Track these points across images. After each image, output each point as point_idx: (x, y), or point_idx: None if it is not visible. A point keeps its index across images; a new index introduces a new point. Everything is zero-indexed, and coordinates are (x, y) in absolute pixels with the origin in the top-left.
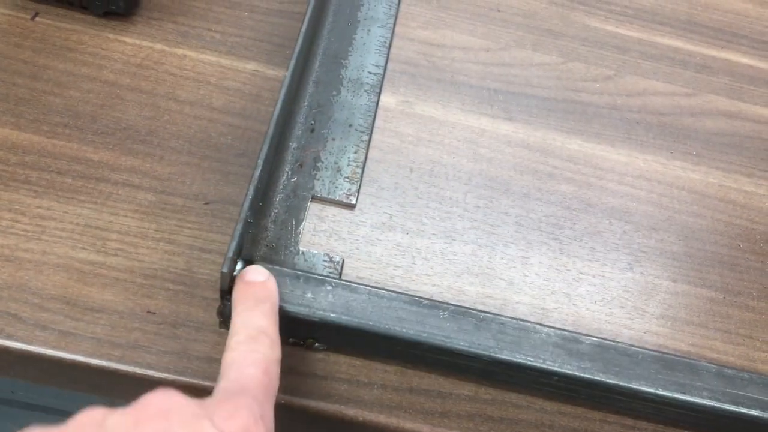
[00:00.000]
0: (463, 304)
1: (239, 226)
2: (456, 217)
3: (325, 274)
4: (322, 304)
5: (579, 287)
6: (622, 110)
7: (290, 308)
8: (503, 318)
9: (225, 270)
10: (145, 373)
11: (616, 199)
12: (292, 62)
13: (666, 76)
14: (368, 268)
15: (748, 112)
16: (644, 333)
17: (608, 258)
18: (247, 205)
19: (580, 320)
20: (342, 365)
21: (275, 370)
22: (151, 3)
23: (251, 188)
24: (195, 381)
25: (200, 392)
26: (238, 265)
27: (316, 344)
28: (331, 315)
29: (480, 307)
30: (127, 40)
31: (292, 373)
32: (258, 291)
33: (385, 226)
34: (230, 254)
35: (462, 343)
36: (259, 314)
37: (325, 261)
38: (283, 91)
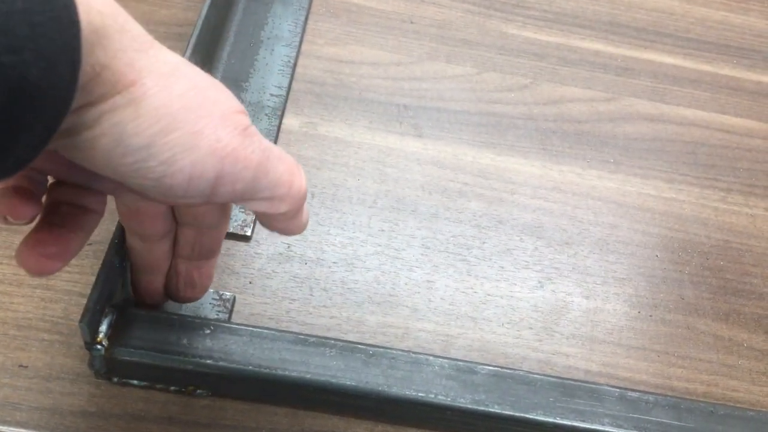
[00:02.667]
0: (362, 336)
1: (103, 271)
2: (358, 243)
3: (212, 314)
4: (198, 350)
5: (486, 310)
6: (537, 120)
7: (165, 356)
8: (394, 352)
9: (83, 323)
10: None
11: (528, 214)
12: None
13: (585, 81)
14: (262, 303)
15: (671, 114)
16: (553, 355)
17: (517, 277)
18: (113, 246)
19: (485, 345)
20: (228, 411)
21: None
22: None
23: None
24: None
25: None
26: (106, 318)
27: (198, 391)
28: (208, 361)
29: (380, 338)
30: None
31: (174, 423)
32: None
33: (282, 256)
34: (91, 304)
35: (350, 382)
36: None
37: (214, 300)
38: None
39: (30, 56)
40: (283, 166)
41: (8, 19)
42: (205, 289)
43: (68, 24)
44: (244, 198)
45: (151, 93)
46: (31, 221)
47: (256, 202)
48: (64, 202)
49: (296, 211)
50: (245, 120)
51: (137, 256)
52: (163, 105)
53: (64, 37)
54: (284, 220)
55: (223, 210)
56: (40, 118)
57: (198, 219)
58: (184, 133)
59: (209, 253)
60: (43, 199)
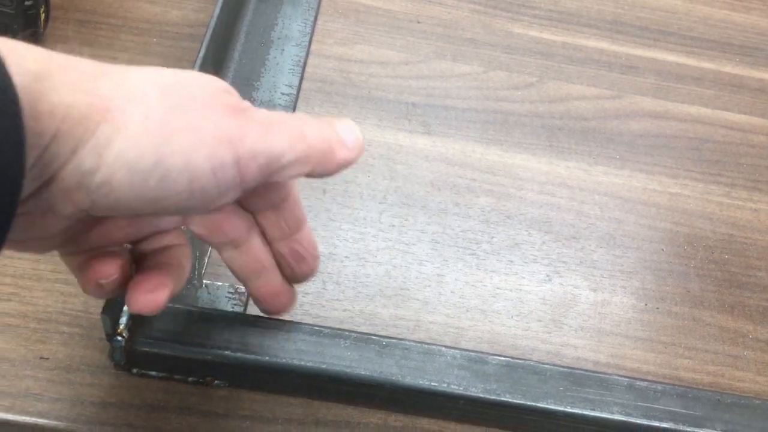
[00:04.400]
0: (374, 328)
1: None
2: (370, 238)
3: (228, 307)
4: (217, 342)
5: (495, 303)
6: (544, 117)
7: (184, 347)
8: (407, 342)
9: (104, 315)
10: (36, 422)
11: (535, 209)
12: None
13: (590, 79)
14: None
15: (675, 111)
16: (562, 346)
17: (526, 270)
18: None
19: (495, 337)
20: (244, 401)
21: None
22: (55, 35)
23: None
24: (88, 428)
25: None
26: (126, 308)
27: (216, 381)
28: (226, 352)
29: (392, 330)
30: None
31: (192, 413)
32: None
33: None
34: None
35: (364, 372)
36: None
37: (229, 293)
38: None
39: None
40: (290, 122)
41: None
42: (316, 257)
43: (5, 104)
44: (273, 170)
45: (132, 111)
46: (121, 278)
47: (288, 169)
48: (146, 252)
49: (326, 156)
50: (234, 97)
51: (242, 266)
52: (149, 117)
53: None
54: (328, 169)
55: (279, 182)
56: None
57: (265, 199)
58: (184, 134)
59: (298, 222)
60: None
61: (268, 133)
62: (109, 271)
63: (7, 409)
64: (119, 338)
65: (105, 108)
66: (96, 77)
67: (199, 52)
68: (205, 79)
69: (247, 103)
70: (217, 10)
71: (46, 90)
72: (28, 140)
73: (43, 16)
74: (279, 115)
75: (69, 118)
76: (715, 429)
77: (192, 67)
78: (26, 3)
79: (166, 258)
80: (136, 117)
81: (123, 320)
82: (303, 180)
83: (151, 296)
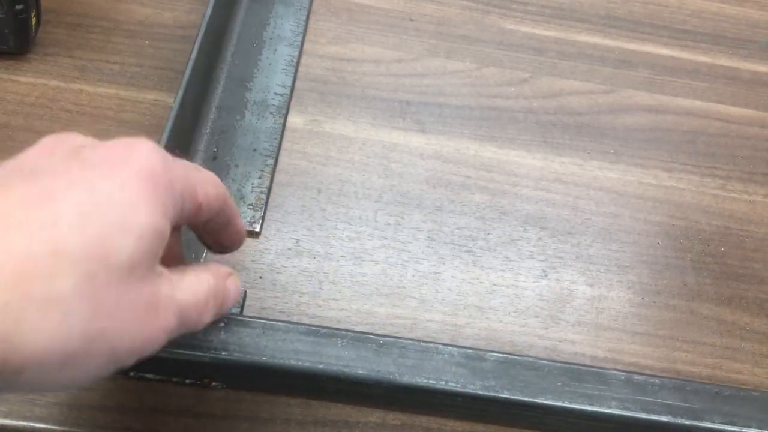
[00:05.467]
0: (371, 327)
1: None
2: (365, 237)
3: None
4: (213, 343)
5: (492, 300)
6: (537, 113)
7: (180, 349)
8: (404, 341)
9: None
10: (35, 427)
11: (531, 205)
12: (181, 91)
13: (584, 74)
14: (273, 297)
15: (669, 105)
16: (559, 342)
17: (522, 267)
18: None
19: (493, 334)
20: (243, 402)
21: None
22: (47, 39)
23: None
24: None
25: None
26: None
27: (213, 383)
28: (223, 353)
29: (389, 329)
30: (21, 79)
31: (190, 415)
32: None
33: (291, 251)
34: None
35: (361, 371)
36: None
37: None
38: (169, 123)
39: None
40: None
41: None
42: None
43: None
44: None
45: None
46: None
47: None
48: None
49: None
50: (137, 285)
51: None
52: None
53: None
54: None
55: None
56: None
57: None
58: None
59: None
60: None
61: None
62: None
63: (6, 415)
64: None
65: (20, 364)
66: (9, 332)
67: (191, 54)
68: (116, 262)
69: (155, 291)
70: (209, 11)
71: None
72: None
73: (34, 20)
74: (190, 305)
75: None
76: (714, 422)
77: (183, 70)
78: (17, 7)
79: None
80: (49, 367)
81: None
82: (298, 180)
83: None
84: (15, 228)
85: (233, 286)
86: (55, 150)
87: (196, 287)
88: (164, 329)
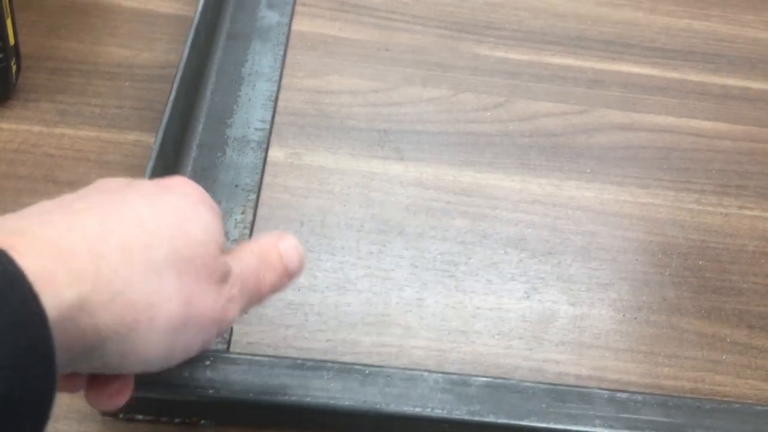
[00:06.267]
0: (358, 357)
1: None
2: (349, 267)
3: (211, 345)
4: (200, 382)
5: (476, 323)
6: (514, 136)
7: (168, 389)
8: (390, 370)
9: None
10: None
11: (511, 227)
12: (161, 131)
13: (557, 95)
14: (259, 332)
15: (642, 122)
16: (544, 362)
17: (505, 289)
18: None
19: (478, 357)
20: None
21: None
22: (27, 84)
23: None
24: None
25: None
26: None
27: (202, 421)
28: (210, 392)
29: (375, 357)
30: (3, 125)
31: None
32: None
33: None
34: None
35: (348, 402)
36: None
37: None
38: (151, 163)
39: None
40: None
41: None
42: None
43: (43, 353)
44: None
45: (154, 314)
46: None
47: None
48: None
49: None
50: (219, 261)
51: None
52: (170, 318)
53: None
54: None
55: None
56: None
57: None
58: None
59: None
60: None
61: (244, 306)
62: (75, 386)
63: None
64: None
65: (134, 320)
66: (122, 290)
67: (170, 93)
68: (194, 239)
69: (225, 264)
70: (187, 50)
71: (84, 316)
72: (73, 354)
73: (14, 67)
74: (249, 275)
75: (102, 331)
76: None
77: (163, 109)
78: None
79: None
80: (158, 323)
81: None
82: (280, 213)
83: (114, 399)
84: (107, 215)
85: (287, 244)
86: (108, 184)
87: (249, 260)
88: (231, 299)
